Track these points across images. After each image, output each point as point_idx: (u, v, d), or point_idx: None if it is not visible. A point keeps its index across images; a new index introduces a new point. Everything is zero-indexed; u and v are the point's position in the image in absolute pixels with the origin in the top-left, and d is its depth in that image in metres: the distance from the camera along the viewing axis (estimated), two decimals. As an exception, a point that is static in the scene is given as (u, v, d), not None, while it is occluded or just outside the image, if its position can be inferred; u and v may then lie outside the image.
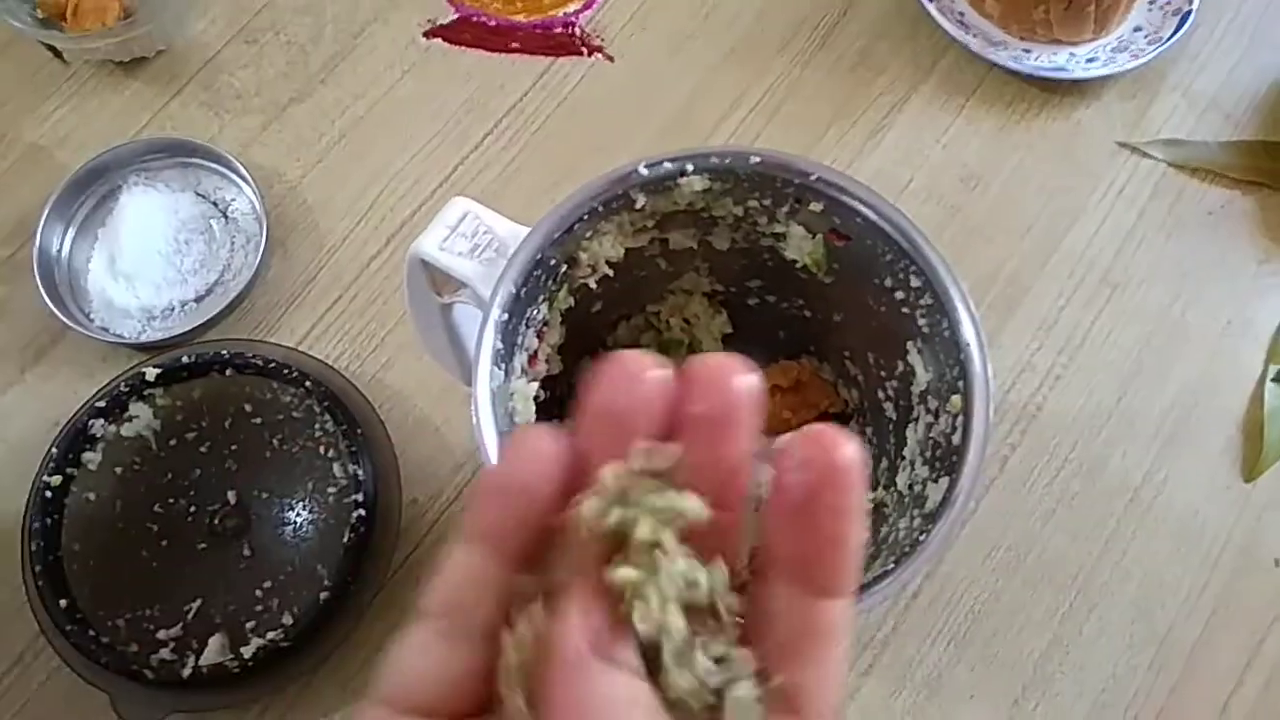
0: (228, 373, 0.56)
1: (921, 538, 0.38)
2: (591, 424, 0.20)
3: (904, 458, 0.44)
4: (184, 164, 0.65)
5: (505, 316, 0.41)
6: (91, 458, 0.54)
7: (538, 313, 0.44)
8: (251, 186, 0.63)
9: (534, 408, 0.43)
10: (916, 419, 0.44)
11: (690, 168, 0.43)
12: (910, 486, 0.43)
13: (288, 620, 0.51)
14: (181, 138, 0.65)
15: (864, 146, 0.66)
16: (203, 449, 0.54)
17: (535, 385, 0.44)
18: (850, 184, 0.42)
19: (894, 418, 0.47)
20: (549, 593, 0.20)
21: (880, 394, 0.49)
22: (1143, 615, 0.56)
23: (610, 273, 0.46)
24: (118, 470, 0.54)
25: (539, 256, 0.42)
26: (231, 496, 0.54)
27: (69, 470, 0.54)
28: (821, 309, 0.50)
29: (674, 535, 0.20)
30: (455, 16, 0.70)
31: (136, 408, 0.55)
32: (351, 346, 0.61)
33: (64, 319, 0.60)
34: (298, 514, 0.53)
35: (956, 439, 0.40)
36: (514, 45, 0.69)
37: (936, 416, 0.42)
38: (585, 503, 0.20)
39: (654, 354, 0.20)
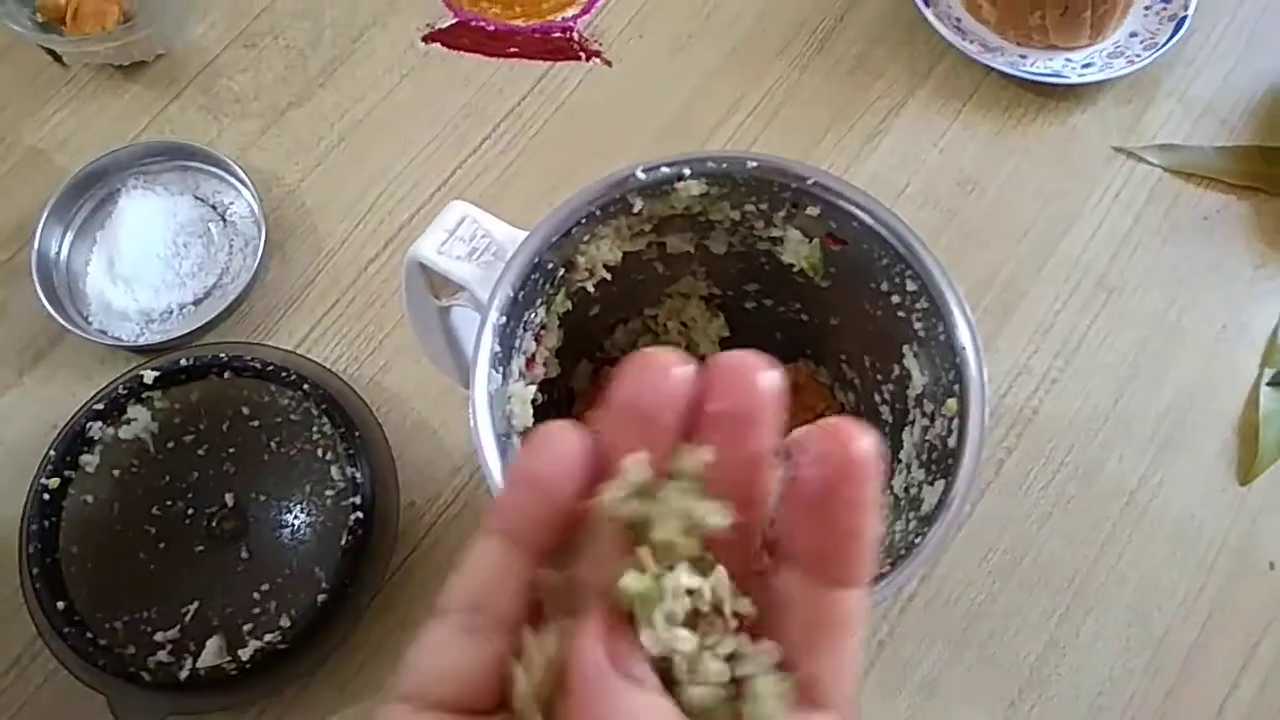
0: (226, 375, 0.56)
1: (917, 540, 0.39)
2: (616, 419, 0.21)
3: (900, 461, 0.45)
4: (183, 167, 0.65)
5: (503, 320, 0.41)
6: (89, 460, 0.54)
7: (535, 316, 0.44)
8: (250, 190, 0.63)
9: (531, 411, 0.43)
10: (912, 422, 0.44)
11: (687, 172, 0.43)
12: (906, 489, 0.43)
13: (285, 622, 0.51)
14: (180, 141, 0.65)
15: (861, 151, 0.66)
16: (201, 451, 0.55)
17: (533, 388, 0.44)
18: (847, 188, 0.43)
19: (890, 421, 0.47)
20: (570, 589, 0.21)
21: (876, 397, 0.49)
22: (1139, 618, 0.56)
23: (608, 276, 0.46)
24: (116, 473, 0.54)
25: (537, 260, 0.42)
26: (229, 499, 0.54)
27: (67, 473, 0.54)
28: (818, 313, 0.51)
29: (693, 541, 0.20)
30: (453, 21, 0.70)
31: (134, 410, 0.55)
32: (349, 349, 0.61)
33: (62, 322, 0.60)
34: (295, 517, 0.53)
35: (952, 442, 0.40)
36: (512, 50, 0.69)
37: (932, 420, 0.42)
38: (606, 492, 0.20)
39: (679, 351, 0.20)
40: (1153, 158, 0.66)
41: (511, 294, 0.41)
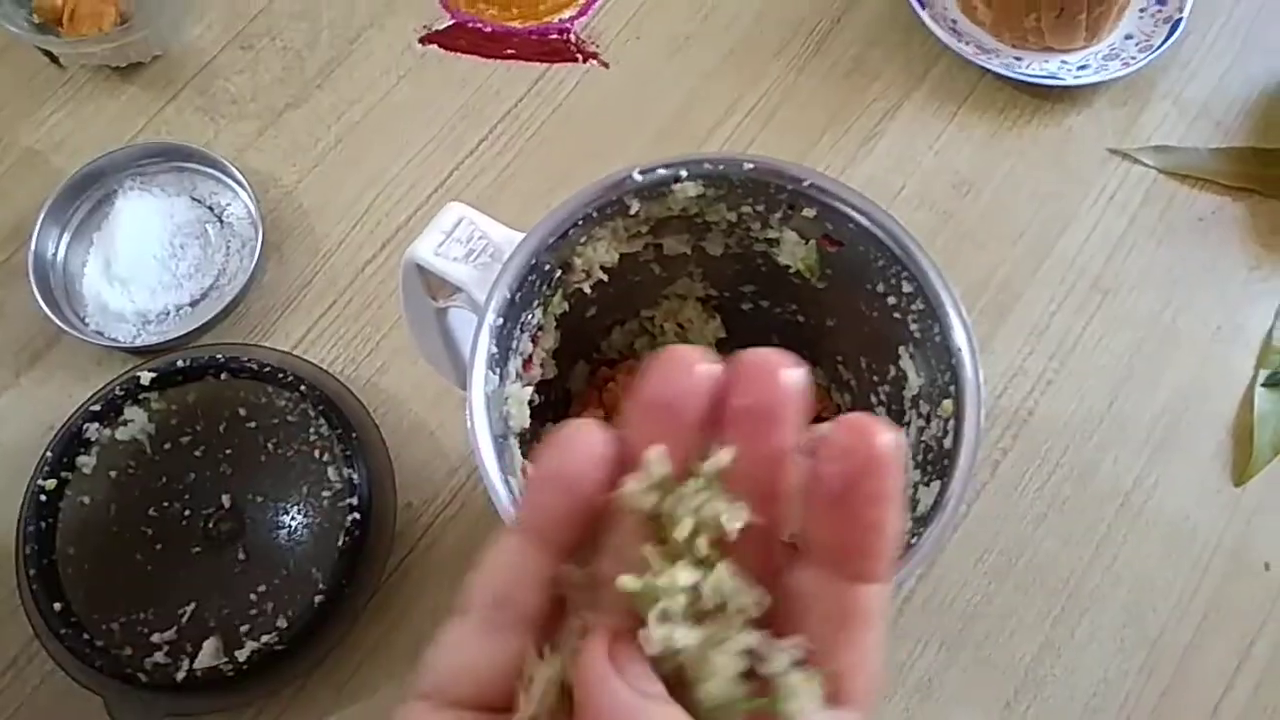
0: (223, 377, 0.56)
1: (913, 541, 0.39)
2: (641, 415, 0.21)
3: (896, 462, 0.45)
4: (179, 169, 0.65)
5: (500, 321, 0.41)
6: (86, 461, 0.54)
7: (532, 317, 0.44)
8: (247, 191, 0.63)
9: (528, 412, 0.43)
10: (908, 423, 0.44)
11: (684, 174, 0.43)
12: (902, 490, 0.43)
13: (282, 624, 0.51)
14: (177, 143, 0.65)
15: (857, 152, 0.66)
16: (197, 453, 0.55)
17: (530, 389, 0.44)
18: (843, 190, 0.43)
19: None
20: (592, 585, 0.21)
21: (872, 398, 0.49)
22: (1134, 619, 0.56)
23: (605, 278, 0.46)
24: (112, 474, 0.54)
25: (534, 261, 0.42)
26: (226, 500, 0.54)
27: (63, 474, 0.54)
28: (814, 314, 0.51)
29: (709, 538, 0.20)
30: (451, 22, 0.70)
31: (131, 411, 0.55)
32: (346, 351, 0.61)
33: (59, 323, 0.60)
34: (292, 518, 0.54)
35: (948, 443, 0.40)
36: (509, 51, 0.69)
37: (928, 421, 0.42)
38: (627, 483, 0.20)
39: (705, 348, 0.21)
40: (1148, 159, 0.66)
41: (508, 295, 0.41)
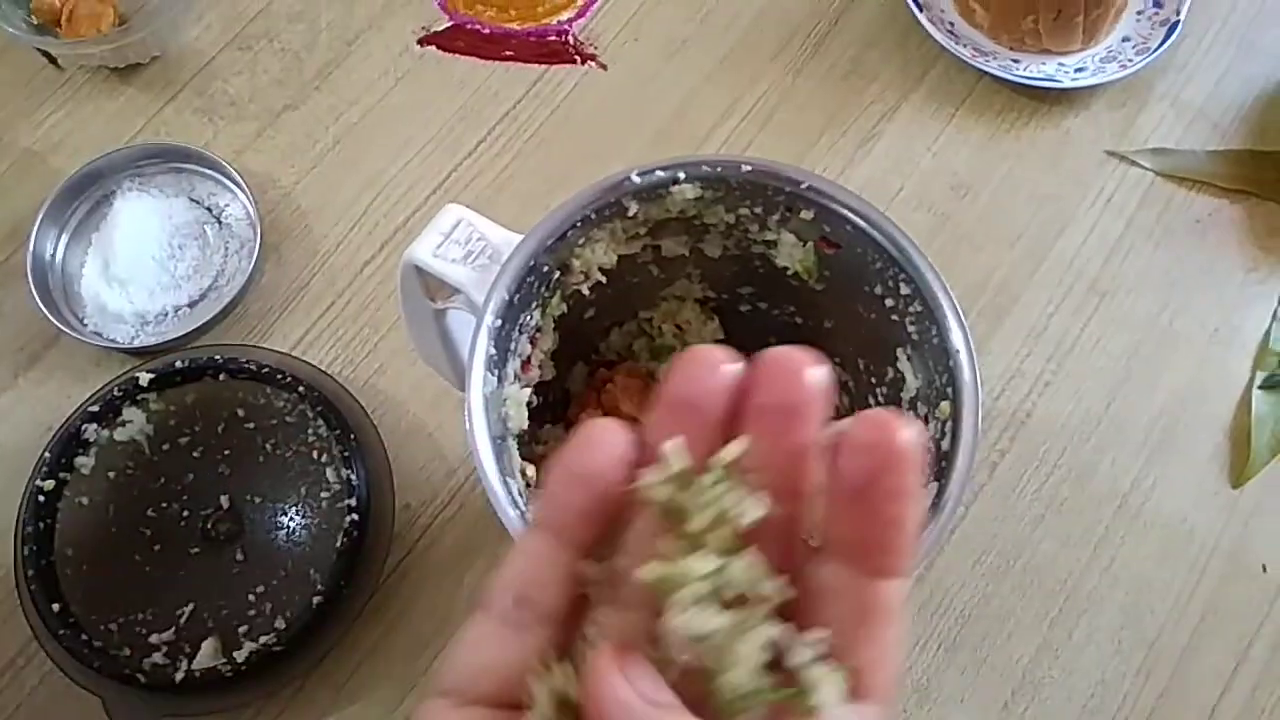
0: (221, 378, 0.56)
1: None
2: (664, 413, 0.21)
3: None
4: (178, 170, 0.65)
5: (498, 322, 0.41)
6: (84, 462, 0.54)
7: (531, 319, 0.44)
8: (245, 192, 0.63)
9: (527, 413, 0.43)
10: (906, 425, 0.44)
11: (682, 176, 0.43)
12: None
13: (280, 624, 0.51)
14: (175, 144, 0.65)
15: (855, 155, 0.66)
16: (196, 454, 0.55)
17: (528, 391, 0.44)
18: (840, 192, 0.43)
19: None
20: (613, 581, 0.21)
21: (870, 400, 0.49)
22: (1131, 621, 0.56)
23: (603, 279, 0.46)
24: (111, 475, 0.54)
25: (532, 263, 0.42)
26: (224, 501, 0.54)
27: (62, 475, 0.54)
28: (812, 316, 0.51)
29: (727, 531, 0.20)
30: (449, 24, 0.70)
31: (130, 412, 0.55)
32: (345, 352, 0.61)
33: (57, 324, 0.60)
34: (290, 519, 0.54)
35: (946, 445, 0.40)
36: (507, 53, 0.69)
37: (926, 422, 0.42)
38: (645, 477, 0.20)
39: (728, 348, 0.21)
40: (1145, 162, 0.66)
41: (507, 297, 0.41)
